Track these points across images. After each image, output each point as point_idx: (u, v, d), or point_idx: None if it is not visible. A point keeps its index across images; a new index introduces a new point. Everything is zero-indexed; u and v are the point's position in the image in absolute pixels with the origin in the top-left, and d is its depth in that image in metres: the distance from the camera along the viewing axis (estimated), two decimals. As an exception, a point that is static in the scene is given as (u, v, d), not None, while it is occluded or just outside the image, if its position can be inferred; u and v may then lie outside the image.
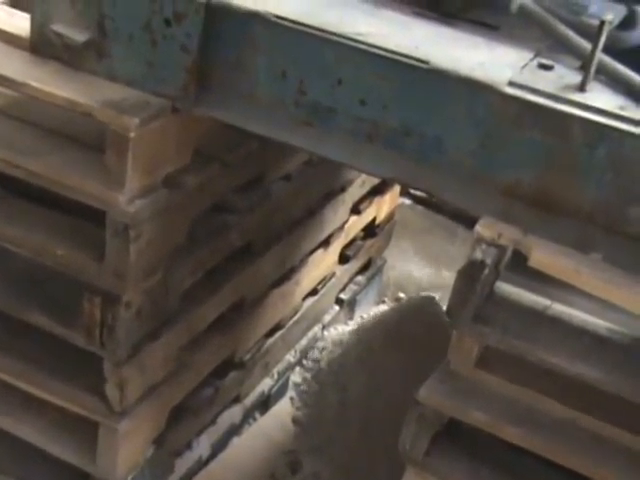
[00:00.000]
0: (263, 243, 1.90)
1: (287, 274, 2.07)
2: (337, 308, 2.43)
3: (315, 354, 2.32)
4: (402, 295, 2.71)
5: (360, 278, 2.53)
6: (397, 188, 2.55)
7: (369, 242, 2.51)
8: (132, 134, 1.37)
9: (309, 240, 2.13)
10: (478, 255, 1.32)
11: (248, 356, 1.99)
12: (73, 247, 1.47)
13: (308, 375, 2.27)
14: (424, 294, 2.54)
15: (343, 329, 2.43)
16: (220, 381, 1.91)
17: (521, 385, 1.41)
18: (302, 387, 2.23)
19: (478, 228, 1.31)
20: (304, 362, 2.30)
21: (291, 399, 2.20)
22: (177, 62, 1.40)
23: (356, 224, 2.39)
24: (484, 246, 1.31)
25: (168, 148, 1.46)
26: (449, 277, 2.66)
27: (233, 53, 1.41)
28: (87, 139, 1.46)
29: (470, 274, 1.33)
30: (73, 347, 1.53)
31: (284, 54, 1.38)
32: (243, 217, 1.78)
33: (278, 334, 2.12)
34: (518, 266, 1.36)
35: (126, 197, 1.41)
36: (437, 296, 2.52)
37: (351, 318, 2.52)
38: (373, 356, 2.26)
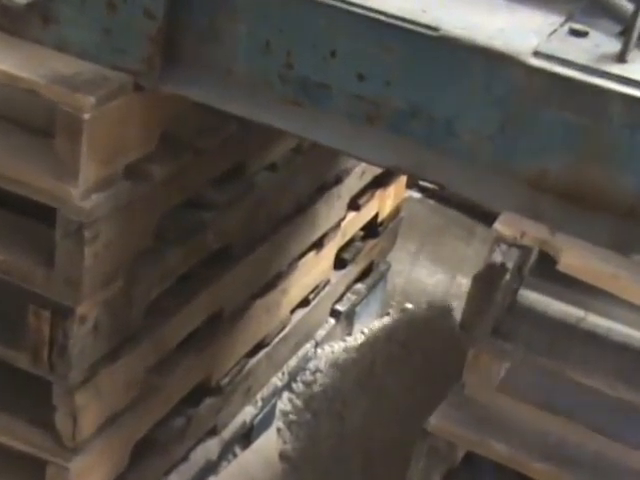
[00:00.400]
0: (244, 245, 1.90)
1: (273, 281, 2.06)
2: (333, 322, 2.43)
3: (307, 376, 2.32)
4: (410, 306, 2.71)
5: (360, 286, 2.52)
6: (403, 179, 2.56)
7: (370, 243, 2.51)
8: (87, 116, 1.35)
9: (299, 241, 2.13)
10: (498, 257, 1.32)
11: (227, 379, 1.99)
12: (16, 251, 1.46)
13: (298, 402, 2.26)
14: (436, 304, 2.53)
15: (340, 347, 2.43)
16: (193, 409, 1.91)
17: (550, 412, 1.41)
18: (291, 416, 2.22)
19: (497, 226, 1.30)
20: (294, 386, 2.29)
21: (278, 430, 2.19)
22: (139, 30, 1.38)
23: (354, 222, 2.39)
24: (505, 247, 1.31)
25: (130, 132, 1.45)
26: (465, 284, 2.65)
27: (206, 19, 1.39)
28: (32, 122, 1.43)
29: (488, 280, 1.33)
30: (16, 370, 1.51)
31: (268, 21, 1.37)
32: (221, 214, 1.77)
33: (262, 353, 2.12)
34: (545, 270, 1.37)
35: (80, 191, 1.39)
36: (451, 306, 2.51)
37: (349, 333, 2.52)
38: (376, 379, 2.27)
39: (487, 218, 2.61)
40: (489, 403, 1.42)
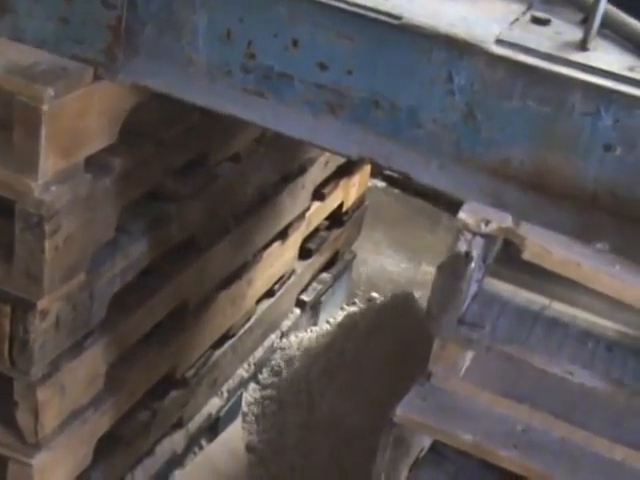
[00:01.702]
0: (208, 236, 1.90)
1: (237, 273, 2.07)
2: (298, 312, 2.44)
3: (273, 367, 2.32)
4: (376, 295, 2.71)
5: (325, 276, 2.54)
6: (367, 168, 2.57)
7: (335, 233, 2.53)
8: (45, 107, 1.33)
9: (263, 232, 2.13)
10: (463, 246, 1.32)
11: (192, 372, 1.98)
12: (-27, 245, 1.46)
13: (265, 393, 2.26)
14: (401, 293, 2.53)
15: (306, 337, 2.43)
16: (158, 403, 1.90)
17: (516, 400, 1.41)
18: (257, 407, 2.23)
19: (462, 215, 1.31)
20: (260, 377, 2.29)
21: (244, 422, 2.19)
22: (98, 19, 1.37)
23: (319, 212, 2.40)
24: (469, 236, 1.31)
25: (90, 124, 1.44)
26: (430, 273, 2.65)
27: (166, 9, 1.38)
28: (-11, 113, 1.44)
29: (453, 269, 1.33)
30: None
31: (228, 10, 1.36)
32: (184, 206, 1.77)
33: (228, 344, 2.12)
34: (510, 259, 1.37)
35: (39, 183, 1.38)
36: (417, 295, 2.52)
37: (315, 323, 2.53)
38: (343, 369, 2.26)
39: (452, 207, 2.62)
40: (455, 392, 1.41)
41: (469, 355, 1.44)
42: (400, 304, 2.44)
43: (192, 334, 1.94)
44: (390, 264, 2.86)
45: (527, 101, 1.27)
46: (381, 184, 3.03)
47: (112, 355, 1.69)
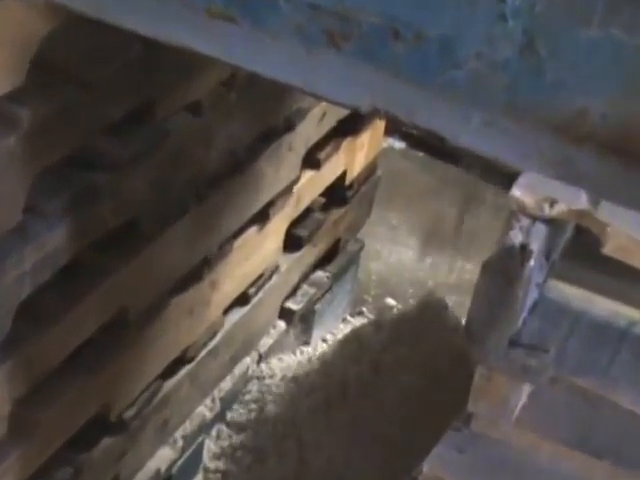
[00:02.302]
0: (156, 219, 1.90)
1: (197, 271, 2.08)
2: (283, 326, 2.46)
3: (247, 404, 2.34)
4: (392, 302, 2.69)
5: (321, 275, 2.57)
6: (381, 124, 2.58)
7: (335, 214, 2.55)
8: None
9: (234, 213, 2.14)
10: (517, 237, 1.36)
11: (132, 411, 1.99)
12: None
13: (236, 440, 2.26)
14: (428, 300, 2.51)
15: (294, 361, 2.41)
16: (85, 455, 1.89)
17: (592, 455, 1.42)
18: (226, 461, 2.23)
19: (516, 192, 1.33)
20: (228, 418, 2.30)
21: (205, 480, 2.26)
22: None
23: (313, 185, 2.42)
24: (527, 222, 1.34)
25: (-13, 59, 1.47)
26: (470, 272, 2.64)
27: None
28: None
29: (504, 269, 1.38)
30: None
31: None
32: (121, 176, 1.77)
33: (183, 372, 2.14)
34: (585, 255, 1.41)
35: None
36: (450, 303, 2.50)
37: (307, 342, 2.56)
38: (347, 407, 2.24)
39: (501, 179, 2.61)
40: (506, 442, 1.45)
41: (526, 390, 1.44)
42: (426, 316, 2.44)
43: (133, 358, 1.95)
44: (412, 259, 2.85)
45: (611, 28, 1.25)
46: (400, 145, 3.03)
47: (20, 387, 1.68)
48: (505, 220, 1.39)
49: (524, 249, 1.34)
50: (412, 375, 2.31)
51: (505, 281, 1.36)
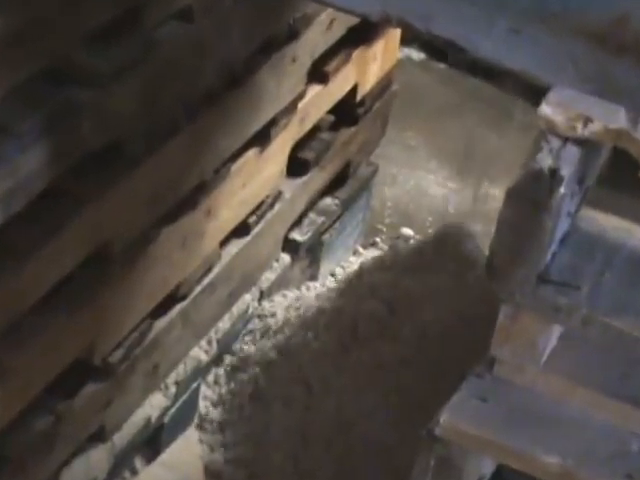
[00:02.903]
0: (142, 141, 1.88)
1: (191, 198, 2.05)
2: (287, 259, 2.44)
3: (247, 346, 2.32)
4: (408, 232, 2.69)
5: (329, 202, 2.55)
6: (396, 32, 2.55)
7: (345, 134, 2.51)
8: None
9: (231, 133, 2.11)
10: (546, 159, 1.35)
11: (119, 354, 1.99)
12: None
13: (235, 385, 2.26)
14: (449, 227, 2.51)
15: (300, 298, 2.41)
16: (66, 402, 1.90)
17: (629, 402, 1.43)
18: (224, 408, 2.23)
19: (546, 109, 1.33)
20: (226, 361, 2.29)
21: (202, 432, 2.20)
22: None
23: (320, 101, 2.38)
24: (557, 142, 1.35)
25: None
26: (495, 198, 2.63)
27: None
28: None
29: (531, 195, 1.36)
30: None
31: None
32: (103, 92, 1.74)
33: (175, 311, 2.12)
34: (622, 180, 1.42)
35: None
36: (474, 233, 2.50)
37: (314, 277, 2.54)
38: (359, 349, 2.25)
39: (529, 94, 2.59)
40: (533, 389, 1.45)
41: (556, 332, 1.44)
42: (447, 248, 2.43)
43: (118, 295, 1.93)
44: (431, 183, 2.84)
45: None
46: (418, 56, 3.00)
47: (-8, 331, 1.67)
48: (533, 141, 1.38)
49: (554, 174, 1.33)
50: (430, 314, 2.27)
51: (532, 210, 1.35)
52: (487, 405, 1.44)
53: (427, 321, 2.26)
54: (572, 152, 1.33)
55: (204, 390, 2.25)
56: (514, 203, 1.36)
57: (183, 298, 2.12)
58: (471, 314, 2.22)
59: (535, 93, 1.42)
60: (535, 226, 1.36)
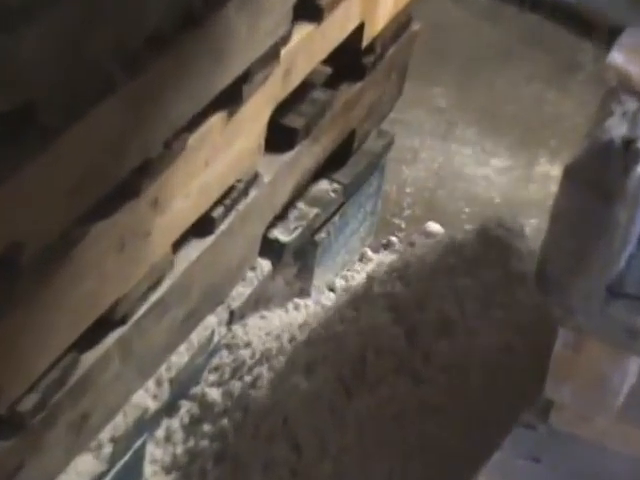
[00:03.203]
0: (61, 104, 1.90)
1: (130, 182, 2.08)
2: (267, 266, 2.50)
3: (210, 388, 2.43)
4: (436, 228, 2.71)
5: (326, 187, 2.59)
6: None
7: (346, 93, 2.57)
8: None
9: (187, 92, 2.12)
10: (616, 126, 1.35)
11: (31, 400, 2.04)
12: None
13: (193, 443, 2.39)
14: (491, 222, 2.52)
15: (284, 321, 2.41)
16: None
17: None
18: (175, 475, 2.35)
19: (617, 58, 1.32)
20: (182, 408, 2.43)
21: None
22: None
23: (311, 46, 2.41)
24: (633, 105, 1.34)
25: None
26: (552, 178, 2.65)
27: None
28: None
29: (596, 178, 1.35)
30: None
31: None
32: (8, 38, 1.78)
33: (111, 340, 2.17)
34: None
35: None
36: (528, 229, 2.50)
37: (305, 292, 2.58)
38: (361, 391, 2.25)
39: (596, 33, 2.63)
40: (601, 446, 1.44)
41: (634, 365, 1.45)
42: (490, 250, 2.42)
43: (30, 318, 1.94)
44: (468, 160, 2.85)
45: None
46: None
47: None
48: (600, 102, 1.40)
49: (629, 146, 1.35)
50: (464, 343, 2.31)
51: (599, 197, 1.37)
52: (540, 467, 1.46)
53: (459, 352, 2.27)
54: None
55: (152, 450, 2.24)
56: (574, 188, 1.38)
57: (122, 322, 2.13)
58: (520, 343, 2.21)
59: (605, 35, 1.44)
60: (602, 220, 1.37)
